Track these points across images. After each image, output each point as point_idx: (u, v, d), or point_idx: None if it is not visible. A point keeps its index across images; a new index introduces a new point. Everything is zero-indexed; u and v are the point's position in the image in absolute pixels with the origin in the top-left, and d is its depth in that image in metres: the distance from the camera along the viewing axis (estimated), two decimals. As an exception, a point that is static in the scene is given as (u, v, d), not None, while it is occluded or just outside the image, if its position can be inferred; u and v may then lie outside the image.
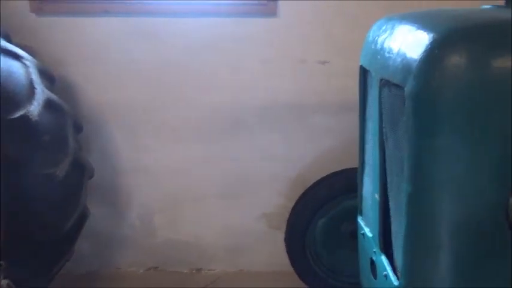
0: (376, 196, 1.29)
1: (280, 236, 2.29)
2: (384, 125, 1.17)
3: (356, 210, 2.05)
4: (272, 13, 2.06)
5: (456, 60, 0.87)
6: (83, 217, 2.02)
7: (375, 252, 1.37)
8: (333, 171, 2.19)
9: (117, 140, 2.31)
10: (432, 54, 0.89)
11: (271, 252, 2.47)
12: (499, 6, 1.10)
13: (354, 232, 2.09)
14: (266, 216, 2.50)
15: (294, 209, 2.24)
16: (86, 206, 2.06)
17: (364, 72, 1.35)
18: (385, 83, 1.11)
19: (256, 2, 2.05)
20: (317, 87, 2.23)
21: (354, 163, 2.08)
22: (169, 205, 2.44)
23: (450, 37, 0.89)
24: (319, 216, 2.21)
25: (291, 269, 2.29)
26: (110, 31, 2.16)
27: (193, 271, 2.55)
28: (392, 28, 1.12)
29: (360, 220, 1.56)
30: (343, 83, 2.18)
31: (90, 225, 2.14)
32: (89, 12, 2.12)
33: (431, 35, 0.91)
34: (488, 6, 1.11)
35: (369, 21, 2.01)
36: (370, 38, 1.26)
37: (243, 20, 2.10)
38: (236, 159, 2.36)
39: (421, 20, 1.01)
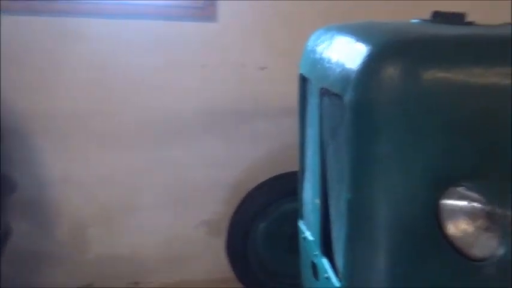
0: (317, 201, 1.33)
1: (221, 243, 2.28)
2: (324, 132, 1.21)
3: (296, 213, 2.11)
4: (211, 17, 2.04)
5: (390, 72, 0.92)
6: (5, 235, 1.84)
7: (316, 255, 1.40)
8: (272, 175, 2.22)
9: (45, 150, 2.14)
10: (369, 66, 0.94)
11: (212, 260, 2.44)
12: (425, 21, 1.19)
13: (295, 235, 2.15)
14: (206, 224, 2.47)
15: (234, 214, 2.24)
16: (8, 223, 1.88)
17: (303, 80, 1.39)
18: (325, 92, 1.15)
19: (193, 5, 2.02)
20: (256, 93, 2.25)
21: (293, 167, 2.14)
22: (104, 218, 2.31)
23: (385, 50, 0.94)
24: (260, 220, 2.23)
25: (232, 275, 2.28)
26: (34, 32, 2.00)
27: (131, 285, 2.44)
28: (331, 39, 1.16)
29: (300, 224, 1.59)
30: (282, 89, 2.22)
31: (14, 243, 1.95)
32: (9, 9, 1.94)
33: (368, 48, 0.95)
34: (416, 21, 1.19)
35: (307, 29, 2.07)
36: (310, 48, 1.30)
37: (181, 23, 2.06)
38: (175, 166, 2.31)
39: (358, 32, 1.05)
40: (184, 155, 2.30)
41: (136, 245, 2.38)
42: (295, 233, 2.13)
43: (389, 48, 0.94)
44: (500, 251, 0.82)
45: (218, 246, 2.29)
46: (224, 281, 2.44)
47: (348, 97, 0.98)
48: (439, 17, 1.19)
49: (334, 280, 1.23)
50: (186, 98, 2.21)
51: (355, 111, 0.98)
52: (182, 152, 2.29)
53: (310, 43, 1.31)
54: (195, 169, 2.34)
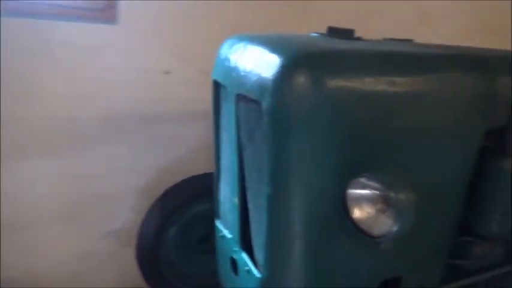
0: (235, 200, 1.41)
1: (131, 252, 2.21)
2: (241, 135, 1.29)
3: (206, 214, 2.17)
4: (111, 20, 1.97)
5: (301, 80, 1.05)
6: None
7: (235, 251, 1.48)
8: (180, 179, 2.23)
9: None
10: (283, 75, 1.05)
11: (122, 271, 2.36)
12: (323, 35, 1.36)
13: (207, 237, 2.20)
14: (114, 234, 2.37)
15: (143, 221, 2.19)
16: None
17: (217, 86, 1.45)
18: (241, 98, 1.23)
19: (92, 6, 1.93)
20: (161, 97, 2.24)
21: (201, 170, 2.20)
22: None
23: (297, 61, 1.06)
24: (170, 224, 2.23)
25: (144, 284, 2.24)
26: None
27: (27, 309, 2.22)
28: (245, 48, 1.25)
29: (217, 223, 1.65)
30: (187, 93, 2.26)
31: None
32: None
33: (282, 59, 1.07)
34: (316, 34, 1.35)
35: (211, 33, 2.15)
36: (223, 55, 1.37)
37: (80, 25, 1.94)
38: (76, 176, 2.17)
39: (270, 44, 1.16)
40: (87, 163, 2.18)
41: (32, 265, 2.18)
42: (208, 234, 2.20)
43: (301, 59, 1.07)
44: (395, 228, 1.00)
45: (129, 255, 2.22)
46: (136, 289, 2.39)
47: (265, 103, 1.08)
48: (333, 32, 1.37)
49: (255, 272, 1.33)
50: (86, 104, 2.09)
51: (272, 115, 1.08)
52: (84, 160, 2.16)
53: (224, 51, 1.38)
54: (99, 178, 2.23)
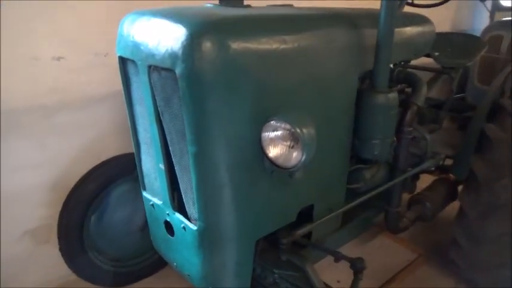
0: (161, 166, 1.51)
1: (53, 249, 2.16)
2: (158, 104, 1.39)
3: (128, 193, 2.21)
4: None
5: (208, 45, 1.18)
6: None
7: (168, 214, 1.60)
8: (93, 166, 2.22)
9: None
10: (192, 42, 1.17)
11: (46, 269, 2.30)
12: (216, 5, 1.49)
13: (132, 217, 2.25)
14: (30, 233, 2.28)
15: (61, 214, 2.15)
16: None
17: (123, 62, 1.50)
18: (154, 69, 1.32)
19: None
20: (56, 84, 2.16)
21: (113, 153, 2.22)
22: None
23: (203, 28, 1.19)
24: (91, 212, 2.22)
25: (73, 276, 2.22)
26: None
27: None
28: (149, 22, 1.32)
29: (145, 194, 1.74)
30: (83, 77, 2.21)
31: None
32: None
33: (189, 27, 1.18)
34: (210, 5, 1.48)
35: (98, 15, 2.12)
36: (125, 32, 1.42)
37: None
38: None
39: (174, 16, 1.26)
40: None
41: None
42: (132, 215, 2.25)
43: (205, 27, 1.20)
44: (303, 158, 1.23)
45: (51, 251, 2.17)
46: (66, 284, 2.35)
47: (179, 70, 1.20)
48: (224, 1, 1.52)
49: (191, 226, 1.47)
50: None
51: (186, 81, 1.20)
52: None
53: (125, 27, 1.43)
54: (4, 177, 2.10)
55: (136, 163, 1.72)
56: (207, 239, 1.43)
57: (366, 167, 1.93)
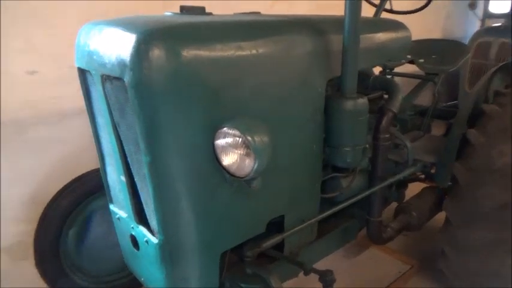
0: (122, 178, 1.47)
1: (30, 265, 2.12)
2: (113, 114, 1.36)
3: (104, 208, 2.17)
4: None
5: (156, 53, 1.15)
6: None
7: (132, 227, 1.55)
8: (69, 180, 2.19)
9: None
10: (139, 49, 1.15)
11: (24, 285, 2.24)
12: (176, 13, 1.47)
13: (108, 230, 2.20)
14: (7, 251, 2.24)
15: (37, 230, 2.12)
16: None
17: (82, 73, 1.49)
18: (106, 78, 1.30)
19: None
20: (30, 99, 2.15)
21: (90, 166, 2.18)
22: None
23: (151, 35, 1.16)
24: (68, 227, 2.18)
25: (49, 296, 2.17)
26: None
27: None
28: (101, 31, 1.31)
29: (112, 208, 1.70)
30: (57, 91, 2.20)
31: None
32: None
33: (137, 34, 1.16)
34: (169, 13, 1.47)
35: (70, 28, 2.11)
36: (82, 42, 1.41)
37: None
38: None
39: (125, 24, 1.24)
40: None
41: None
42: (109, 230, 2.21)
43: (153, 34, 1.17)
44: (255, 166, 1.19)
45: (29, 270, 2.12)
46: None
47: (127, 78, 1.17)
48: (185, 9, 1.50)
49: (152, 239, 1.43)
50: None
51: (135, 89, 1.17)
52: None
53: (82, 37, 1.42)
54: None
55: (102, 176, 1.68)
56: (168, 252, 1.38)
57: (342, 175, 1.88)
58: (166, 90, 1.18)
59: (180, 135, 1.22)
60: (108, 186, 1.68)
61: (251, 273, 1.45)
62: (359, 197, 1.87)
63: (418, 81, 2.81)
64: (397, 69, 2.22)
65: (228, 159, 1.23)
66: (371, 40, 1.87)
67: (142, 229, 1.49)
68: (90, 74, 1.41)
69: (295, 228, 1.61)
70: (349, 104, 1.63)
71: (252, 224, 1.50)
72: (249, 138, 1.16)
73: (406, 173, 2.09)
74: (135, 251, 1.59)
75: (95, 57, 1.32)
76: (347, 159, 1.71)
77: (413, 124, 2.72)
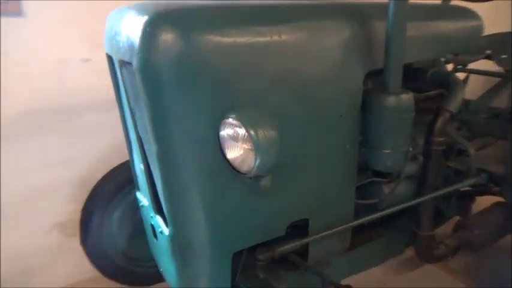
0: (141, 166, 1.46)
1: (79, 243, 2.24)
2: (130, 100, 1.34)
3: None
4: (16, 12, 1.97)
5: (164, 36, 1.10)
6: None
7: (152, 216, 1.54)
8: (115, 165, 2.26)
9: None
10: (145, 32, 1.10)
11: (72, 262, 2.39)
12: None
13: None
14: (58, 226, 2.40)
15: (84, 209, 2.23)
16: None
17: (110, 60, 1.50)
18: (121, 63, 1.28)
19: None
20: (83, 86, 2.25)
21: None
22: None
23: (158, 18, 1.11)
24: (111, 210, 2.26)
25: (96, 273, 2.27)
26: None
27: (-22, 312, 2.24)
28: (122, 16, 1.29)
29: (138, 195, 1.70)
30: (108, 79, 2.27)
31: None
32: None
33: (145, 18, 1.12)
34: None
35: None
36: (108, 27, 1.41)
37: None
38: (8, 172, 2.18)
39: (142, 8, 1.21)
40: (18, 159, 2.19)
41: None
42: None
43: (161, 16, 1.12)
44: (258, 163, 1.08)
45: (77, 246, 2.24)
46: (90, 280, 2.42)
47: (135, 62, 1.13)
48: None
49: (165, 230, 1.39)
50: (7, 99, 2.10)
51: (142, 74, 1.13)
52: (14, 157, 2.17)
53: (108, 23, 1.42)
54: (33, 172, 2.24)
55: (130, 163, 1.70)
56: (178, 245, 1.34)
57: (384, 180, 1.68)
58: (172, 74, 1.12)
59: (186, 124, 1.16)
60: (134, 173, 1.69)
61: (262, 278, 1.34)
62: (402, 206, 1.65)
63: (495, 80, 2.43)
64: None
65: (231, 153, 1.14)
66: (428, 28, 1.64)
67: (159, 219, 1.46)
68: (113, 60, 1.41)
69: (319, 235, 1.46)
70: (390, 100, 1.44)
71: (269, 225, 1.39)
72: (252, 132, 1.05)
73: (465, 183, 1.81)
74: (155, 240, 1.58)
75: (114, 42, 1.31)
76: (387, 162, 1.51)
77: (488, 128, 2.36)
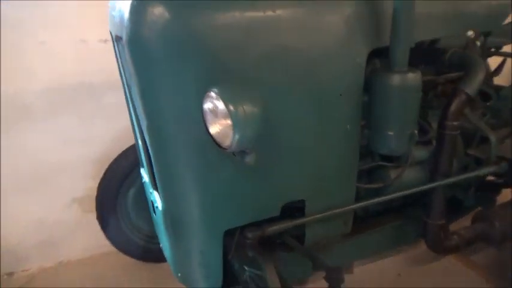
0: (139, 141, 1.48)
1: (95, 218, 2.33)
2: (127, 76, 1.35)
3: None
4: (36, -6, 2.05)
5: (150, 8, 1.09)
6: None
7: (151, 192, 1.56)
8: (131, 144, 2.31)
9: None
10: (133, 5, 1.10)
11: (89, 236, 2.49)
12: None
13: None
14: (77, 202, 2.50)
15: (100, 185, 2.30)
16: None
17: (112, 38, 1.51)
18: (117, 39, 1.29)
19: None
20: (103, 66, 2.30)
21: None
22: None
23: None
24: (126, 187, 2.33)
25: (111, 248, 2.36)
26: None
27: (4, 277, 2.39)
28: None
29: (142, 171, 1.73)
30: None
31: None
32: None
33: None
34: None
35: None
36: (111, 4, 1.43)
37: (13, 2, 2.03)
38: (31, 148, 2.29)
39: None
40: (38, 137, 2.29)
41: (3, 235, 2.33)
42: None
43: None
44: (236, 138, 1.05)
45: (94, 221, 2.34)
46: (105, 255, 2.52)
47: (124, 36, 1.14)
48: None
49: (159, 206, 1.41)
50: (28, 77, 2.19)
51: (131, 48, 1.14)
52: (35, 134, 2.28)
53: (111, 1, 1.44)
54: (54, 149, 2.34)
55: (135, 140, 1.72)
56: (170, 221, 1.36)
57: (392, 165, 1.61)
58: (160, 47, 1.11)
59: (174, 97, 1.15)
60: (138, 150, 1.72)
61: (251, 256, 1.33)
62: (408, 191, 1.58)
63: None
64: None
65: (213, 127, 1.12)
66: (444, 3, 1.52)
67: (156, 195, 1.48)
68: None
69: (313, 216, 1.42)
70: (396, 79, 1.36)
71: (262, 205, 1.37)
72: (230, 107, 1.03)
73: (482, 172, 1.70)
74: (154, 215, 1.61)
75: (112, 18, 1.32)
76: (391, 145, 1.44)
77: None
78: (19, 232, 2.38)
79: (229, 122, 1.04)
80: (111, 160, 2.31)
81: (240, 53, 1.16)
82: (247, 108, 1.03)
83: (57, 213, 2.45)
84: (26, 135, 2.25)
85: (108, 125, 2.42)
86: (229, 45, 1.15)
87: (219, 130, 1.10)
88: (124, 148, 2.30)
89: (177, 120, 1.18)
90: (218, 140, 1.12)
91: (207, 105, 1.10)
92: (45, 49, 2.18)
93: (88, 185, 2.46)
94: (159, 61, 1.13)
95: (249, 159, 1.16)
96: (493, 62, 2.11)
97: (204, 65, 1.14)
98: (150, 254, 2.41)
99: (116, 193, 2.31)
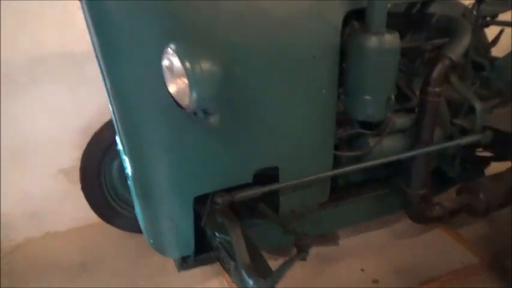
0: (109, 106, 1.44)
1: (80, 188, 2.32)
2: (91, 34, 1.30)
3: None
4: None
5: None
6: None
7: (124, 159, 1.53)
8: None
9: None
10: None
11: (76, 207, 2.47)
12: None
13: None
14: (64, 173, 2.49)
15: (83, 156, 2.28)
16: None
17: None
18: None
19: None
20: (85, 35, 2.25)
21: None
22: None
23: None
24: (110, 158, 2.30)
25: (98, 219, 2.36)
26: None
27: (-13, 246, 2.40)
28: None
29: (117, 139, 1.70)
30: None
31: None
32: None
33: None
34: None
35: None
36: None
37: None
38: (15, 118, 2.26)
39: None
40: (24, 105, 2.25)
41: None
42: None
43: None
44: (194, 97, 1.01)
45: (80, 192, 2.33)
46: (91, 226, 2.52)
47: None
48: None
49: (129, 170, 1.38)
50: (8, 47, 2.14)
51: (88, 4, 1.09)
52: (19, 105, 2.24)
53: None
54: (39, 120, 2.31)
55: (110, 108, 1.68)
56: (139, 186, 1.33)
57: (371, 132, 1.57)
58: (117, 12, 1.07)
59: (133, 56, 1.11)
60: (112, 115, 1.68)
61: (220, 222, 1.31)
62: (388, 159, 1.54)
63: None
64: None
65: (171, 86, 1.08)
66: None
67: (126, 160, 1.46)
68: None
69: (285, 183, 1.39)
70: (372, 41, 1.30)
71: (232, 171, 1.34)
72: (187, 64, 0.98)
73: (464, 140, 1.65)
74: (128, 183, 1.59)
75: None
76: (367, 110, 1.40)
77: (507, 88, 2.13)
78: (5, 204, 2.38)
79: (185, 80, 0.99)
80: (95, 130, 2.29)
81: (203, 9, 1.11)
82: (205, 65, 0.99)
83: (43, 184, 2.43)
84: (9, 105, 2.22)
85: (93, 95, 2.36)
86: (191, 2, 1.09)
87: (177, 89, 1.06)
88: (108, 119, 2.28)
89: (138, 81, 1.14)
90: (177, 99, 1.08)
91: (165, 63, 1.05)
92: (26, 17, 2.12)
93: (74, 155, 2.42)
94: (117, 16, 1.08)
95: (213, 119, 1.12)
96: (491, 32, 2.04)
97: (163, 21, 1.09)
98: (136, 224, 2.41)
99: (99, 164, 2.28)
